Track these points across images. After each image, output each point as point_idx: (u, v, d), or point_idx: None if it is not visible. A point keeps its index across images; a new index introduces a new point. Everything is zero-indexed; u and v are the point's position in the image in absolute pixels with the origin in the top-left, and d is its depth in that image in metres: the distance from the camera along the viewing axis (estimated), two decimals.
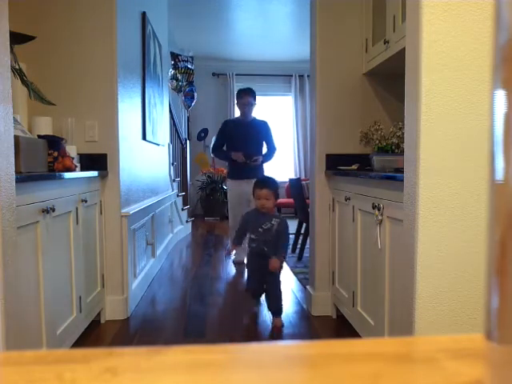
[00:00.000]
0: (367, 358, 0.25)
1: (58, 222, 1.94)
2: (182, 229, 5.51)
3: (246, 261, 3.60)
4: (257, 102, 3.91)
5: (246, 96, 3.80)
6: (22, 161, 1.75)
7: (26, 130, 2.18)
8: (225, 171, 7.59)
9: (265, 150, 4.01)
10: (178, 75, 6.05)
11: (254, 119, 3.94)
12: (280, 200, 7.04)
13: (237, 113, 7.97)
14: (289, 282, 3.48)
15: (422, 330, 1.41)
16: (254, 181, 3.59)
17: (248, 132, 3.82)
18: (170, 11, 4.97)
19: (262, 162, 3.88)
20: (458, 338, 0.27)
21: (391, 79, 2.66)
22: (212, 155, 4.08)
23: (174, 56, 5.86)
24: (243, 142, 3.80)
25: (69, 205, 2.06)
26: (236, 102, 3.90)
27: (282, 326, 2.52)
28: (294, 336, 2.40)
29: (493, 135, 0.18)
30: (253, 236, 2.51)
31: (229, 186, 3.97)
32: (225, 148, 3.97)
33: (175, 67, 5.97)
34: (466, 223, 1.39)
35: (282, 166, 7.53)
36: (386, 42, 2.28)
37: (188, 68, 6.15)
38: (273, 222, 2.47)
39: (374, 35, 2.53)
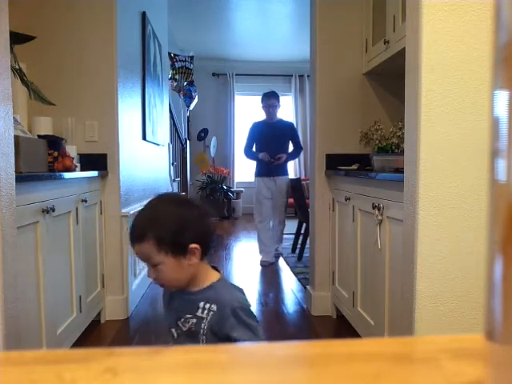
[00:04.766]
0: (367, 357, 0.25)
1: (58, 222, 1.94)
2: None
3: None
4: (281, 103, 4.14)
5: (270, 98, 4.02)
6: (21, 161, 1.75)
7: (26, 130, 2.18)
8: (225, 171, 7.60)
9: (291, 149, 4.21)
10: (175, 75, 6.05)
11: (280, 121, 4.15)
12: None
13: (237, 114, 8.04)
14: (289, 282, 3.48)
15: (421, 329, 1.41)
16: (277, 178, 4.05)
17: (273, 133, 4.03)
18: (169, 11, 4.96)
19: (287, 160, 4.07)
20: (458, 338, 0.27)
21: (391, 79, 2.66)
22: (245, 156, 4.29)
23: (171, 56, 5.86)
24: (268, 142, 4.03)
25: (69, 205, 2.06)
26: (261, 105, 4.09)
27: None
28: (294, 336, 2.40)
29: (493, 135, 0.18)
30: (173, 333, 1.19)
31: (255, 183, 4.17)
32: (254, 149, 4.18)
33: (172, 67, 5.97)
34: (466, 223, 1.39)
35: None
36: (386, 42, 2.28)
37: (186, 68, 6.14)
38: (199, 313, 1.08)
39: (374, 35, 2.53)
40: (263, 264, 4.05)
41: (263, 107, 4.08)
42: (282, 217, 4.15)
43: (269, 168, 4.02)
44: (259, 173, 4.13)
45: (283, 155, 3.99)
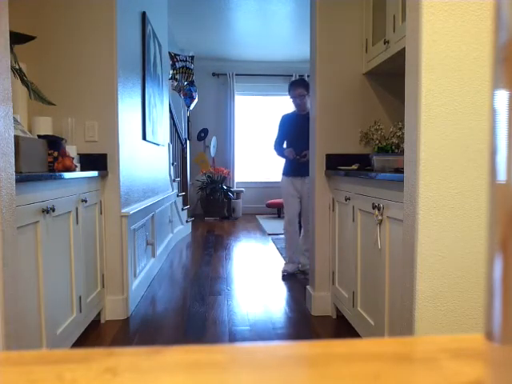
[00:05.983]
0: (367, 357, 0.25)
1: (58, 222, 1.94)
2: (182, 229, 5.51)
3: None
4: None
5: (297, 88, 3.58)
6: (21, 161, 1.75)
7: (26, 130, 2.18)
8: (225, 171, 7.60)
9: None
10: (176, 75, 6.05)
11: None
12: (280, 200, 7.05)
13: (237, 114, 8.04)
14: (289, 282, 3.47)
15: (421, 329, 1.41)
16: (307, 178, 3.44)
17: (301, 126, 3.57)
18: (169, 11, 4.96)
19: None
20: (458, 338, 0.27)
21: (391, 79, 2.66)
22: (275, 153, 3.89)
23: (172, 56, 5.86)
24: (296, 136, 3.62)
25: (69, 205, 2.06)
26: (289, 96, 3.68)
27: None
28: (294, 336, 2.40)
29: (493, 135, 0.18)
30: None
31: (282, 183, 3.78)
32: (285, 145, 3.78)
33: (173, 67, 5.97)
34: (466, 223, 1.39)
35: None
36: (386, 42, 2.28)
37: (187, 68, 6.14)
38: None
39: (374, 35, 2.53)
40: (283, 273, 3.70)
41: (291, 98, 3.64)
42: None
43: (296, 166, 3.59)
44: (286, 172, 3.71)
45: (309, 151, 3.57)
